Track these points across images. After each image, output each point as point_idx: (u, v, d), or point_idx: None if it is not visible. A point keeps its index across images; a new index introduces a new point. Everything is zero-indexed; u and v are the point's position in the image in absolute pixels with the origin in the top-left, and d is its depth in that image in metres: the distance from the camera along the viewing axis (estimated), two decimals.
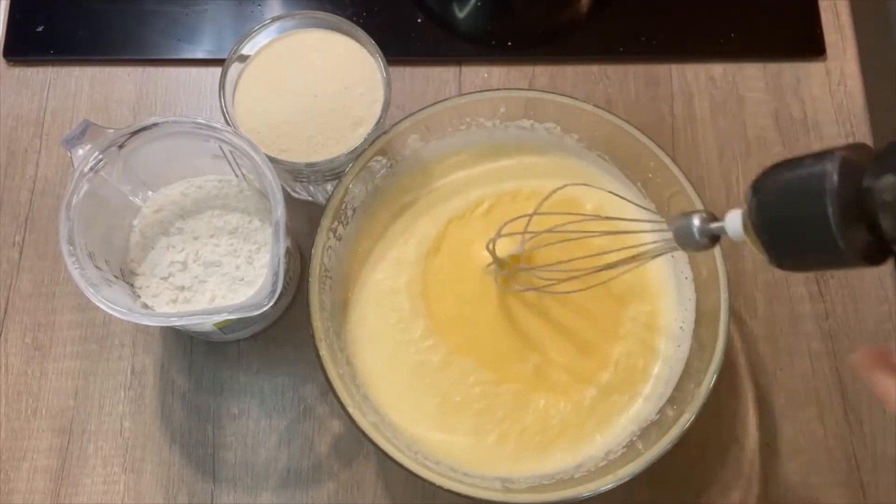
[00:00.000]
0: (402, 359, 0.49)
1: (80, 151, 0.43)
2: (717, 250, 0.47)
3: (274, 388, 0.52)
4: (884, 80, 0.73)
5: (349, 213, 0.49)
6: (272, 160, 0.45)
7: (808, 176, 0.30)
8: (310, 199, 0.55)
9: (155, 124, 0.44)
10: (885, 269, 0.56)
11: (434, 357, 0.48)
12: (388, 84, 0.48)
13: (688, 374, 0.47)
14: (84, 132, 0.44)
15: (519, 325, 0.49)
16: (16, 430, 0.51)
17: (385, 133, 0.49)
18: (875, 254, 0.30)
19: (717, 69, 0.61)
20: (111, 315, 0.41)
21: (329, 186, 0.52)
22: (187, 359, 0.53)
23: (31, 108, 0.58)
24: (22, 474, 0.50)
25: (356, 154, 0.48)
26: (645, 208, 0.50)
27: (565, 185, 0.46)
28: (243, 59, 0.49)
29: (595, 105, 0.50)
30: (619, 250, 0.44)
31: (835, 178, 0.29)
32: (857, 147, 0.31)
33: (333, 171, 0.49)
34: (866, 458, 0.52)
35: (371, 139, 0.48)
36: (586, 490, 0.43)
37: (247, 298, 0.42)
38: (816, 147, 0.58)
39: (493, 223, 0.49)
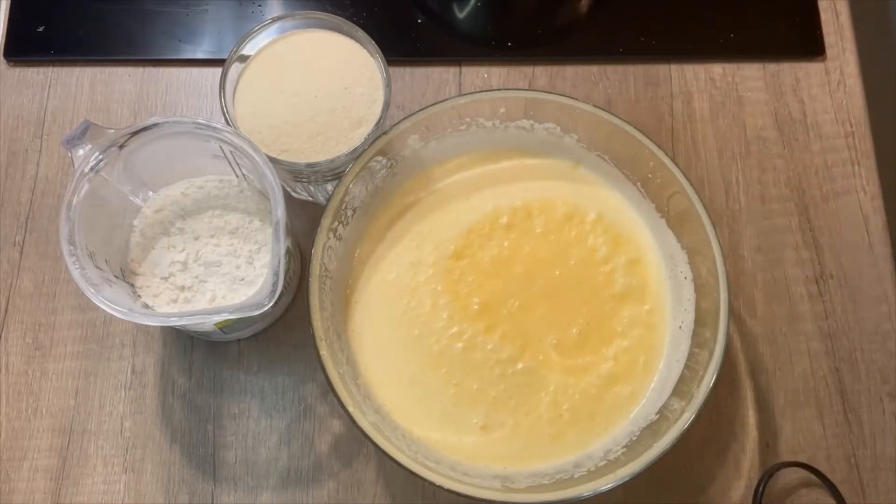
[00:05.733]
0: (415, 354, 0.49)
1: (81, 151, 0.43)
2: (716, 249, 0.47)
3: (274, 387, 0.53)
4: (884, 80, 0.74)
5: (349, 213, 0.49)
6: (272, 160, 0.45)
7: None
8: (310, 199, 0.55)
9: (155, 124, 0.44)
10: (885, 268, 0.56)
11: (458, 343, 0.49)
12: (388, 84, 0.49)
13: (687, 374, 0.47)
14: (84, 132, 0.44)
15: (543, 308, 0.50)
16: (16, 429, 0.51)
17: (385, 133, 0.49)
18: None
19: (717, 69, 0.61)
20: (112, 315, 0.41)
21: (329, 186, 0.52)
22: (188, 359, 0.53)
23: (31, 108, 0.58)
24: (22, 474, 0.51)
25: (356, 154, 0.48)
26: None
27: None
28: (244, 59, 0.49)
29: (595, 105, 0.50)
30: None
31: None
32: None
33: (334, 172, 0.49)
34: (866, 458, 0.52)
35: (371, 139, 0.48)
36: (586, 490, 0.43)
37: (247, 298, 0.42)
38: (816, 147, 0.58)
39: (517, 241, 0.51)
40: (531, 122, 0.51)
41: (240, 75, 0.49)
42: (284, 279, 0.42)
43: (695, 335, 0.48)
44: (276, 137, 0.48)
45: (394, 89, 0.49)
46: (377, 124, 0.48)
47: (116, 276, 0.46)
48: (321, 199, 0.55)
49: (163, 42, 0.60)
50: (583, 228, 0.52)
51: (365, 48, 0.50)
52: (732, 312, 0.52)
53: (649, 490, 0.51)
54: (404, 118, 0.49)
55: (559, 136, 0.52)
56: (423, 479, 0.43)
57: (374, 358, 0.49)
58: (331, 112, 0.48)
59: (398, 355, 0.49)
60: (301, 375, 0.53)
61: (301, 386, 0.53)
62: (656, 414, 0.47)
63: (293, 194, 0.55)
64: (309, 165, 0.47)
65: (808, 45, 0.61)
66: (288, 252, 0.44)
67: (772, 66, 0.61)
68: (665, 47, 0.61)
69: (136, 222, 0.49)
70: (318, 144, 0.48)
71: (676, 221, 0.50)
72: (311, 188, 0.53)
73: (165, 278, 0.48)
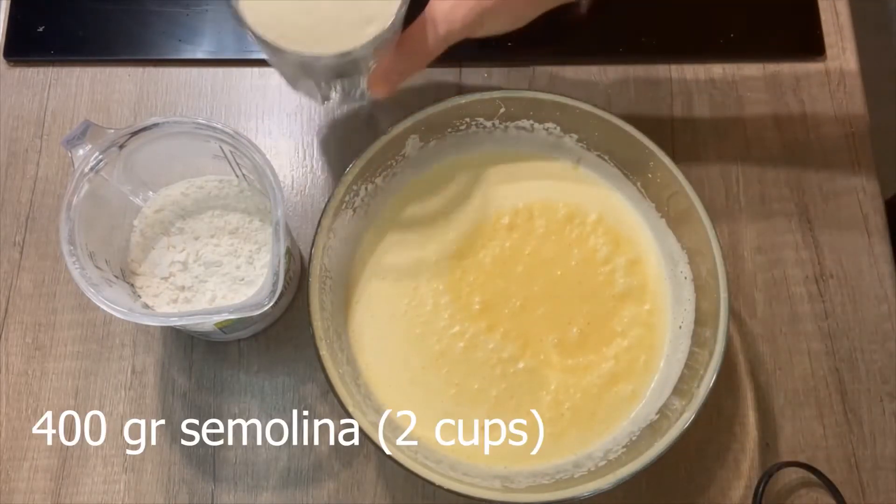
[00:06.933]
0: (416, 353, 0.49)
1: (81, 151, 0.44)
2: (716, 249, 0.47)
3: (274, 387, 0.53)
4: (884, 80, 0.74)
5: (349, 212, 0.49)
6: (275, 49, 0.42)
7: None
8: (309, 96, 0.52)
9: (155, 124, 0.44)
10: (885, 269, 0.56)
11: (459, 343, 0.49)
12: None
13: (687, 374, 0.47)
14: (84, 132, 0.44)
15: (544, 307, 0.50)
16: (16, 429, 0.51)
17: (385, 134, 0.49)
18: None
19: (717, 69, 0.61)
20: (112, 315, 0.41)
21: (334, 90, 0.48)
22: (188, 359, 0.53)
23: (31, 108, 0.58)
24: (22, 474, 0.51)
25: (363, 52, 0.43)
26: None
27: None
28: None
29: (595, 105, 0.50)
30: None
31: None
32: None
33: (336, 70, 0.45)
34: (866, 458, 0.52)
35: (378, 41, 0.43)
36: (586, 490, 0.43)
37: (247, 298, 0.42)
38: (816, 147, 0.58)
39: (519, 241, 0.51)
40: (531, 122, 0.52)
41: None
42: (284, 279, 0.42)
43: (695, 335, 0.48)
44: (280, 23, 0.43)
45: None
46: (390, 26, 0.43)
47: (116, 276, 0.46)
48: (329, 97, 0.50)
49: (163, 42, 0.60)
50: (584, 229, 0.52)
51: None
52: (732, 312, 0.52)
53: (649, 490, 0.51)
54: (404, 118, 0.49)
55: (559, 136, 0.52)
56: (423, 479, 0.43)
57: (374, 358, 0.49)
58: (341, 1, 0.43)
59: (399, 355, 0.49)
60: (301, 375, 0.53)
61: (301, 386, 0.53)
62: (657, 413, 0.47)
63: (294, 90, 0.51)
64: (314, 58, 0.43)
65: (808, 45, 0.61)
66: (288, 252, 0.44)
67: (772, 66, 0.61)
68: (665, 47, 0.61)
69: (136, 222, 0.49)
70: (324, 34, 0.43)
71: (676, 221, 0.50)
72: (319, 84, 0.48)
73: (165, 278, 0.48)
